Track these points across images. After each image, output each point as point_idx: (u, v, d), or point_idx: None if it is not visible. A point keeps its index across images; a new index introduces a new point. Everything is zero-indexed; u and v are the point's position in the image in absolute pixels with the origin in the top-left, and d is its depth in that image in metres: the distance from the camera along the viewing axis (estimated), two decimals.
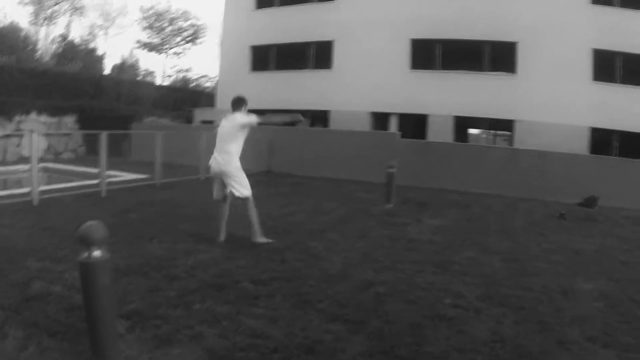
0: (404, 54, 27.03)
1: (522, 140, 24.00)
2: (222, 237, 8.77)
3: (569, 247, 10.21)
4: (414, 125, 26.49)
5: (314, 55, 29.78)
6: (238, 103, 8.77)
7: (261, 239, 8.73)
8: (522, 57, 25.04)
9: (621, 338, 5.44)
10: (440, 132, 25.51)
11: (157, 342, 4.51)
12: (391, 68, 27.10)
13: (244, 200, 8.55)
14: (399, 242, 9.75)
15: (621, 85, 24.34)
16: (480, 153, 20.90)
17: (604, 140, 24.31)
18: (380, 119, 27.31)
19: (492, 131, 30.31)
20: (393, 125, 26.94)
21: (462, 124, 26.81)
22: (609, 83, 24.23)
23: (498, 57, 25.76)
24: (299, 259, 7.90)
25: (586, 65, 24.36)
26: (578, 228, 12.56)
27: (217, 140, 8.68)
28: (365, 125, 27.02)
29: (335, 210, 13.09)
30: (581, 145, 23.46)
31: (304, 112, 27.73)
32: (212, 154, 8.79)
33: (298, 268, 7.40)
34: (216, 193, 8.80)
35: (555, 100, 24.15)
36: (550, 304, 6.52)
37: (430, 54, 26.83)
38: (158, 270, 6.79)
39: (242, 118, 8.55)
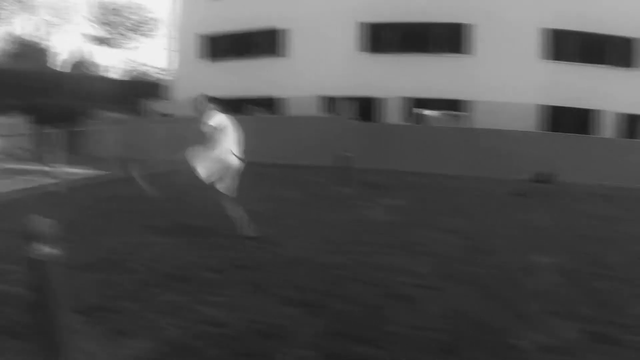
0: (356, 38, 26.94)
1: (477, 119, 24.14)
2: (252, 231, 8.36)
3: (527, 224, 10.28)
4: (366, 108, 26.46)
5: (267, 42, 29.51)
6: (202, 103, 8.55)
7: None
8: (473, 38, 25.15)
9: (581, 310, 5.46)
10: (392, 115, 25.55)
11: (115, 335, 4.41)
12: (342, 52, 27.03)
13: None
14: (356, 224, 9.70)
15: (572, 63, 24.62)
16: (434, 134, 21.00)
17: (556, 118, 24.58)
18: (332, 104, 27.24)
19: (445, 112, 30.44)
20: (345, 109, 26.88)
21: (414, 106, 26.85)
22: (559, 62, 24.47)
23: (449, 38, 25.83)
24: (257, 246, 7.76)
25: (536, 44, 24.56)
26: (536, 204, 12.72)
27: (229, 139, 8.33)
28: (318, 110, 26.94)
29: (291, 196, 13.00)
30: (533, 124, 23.68)
31: (257, 100, 27.61)
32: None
33: (256, 255, 7.28)
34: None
35: (506, 79, 24.40)
36: (509, 279, 6.54)
37: (380, 37, 26.78)
38: (117, 264, 6.61)
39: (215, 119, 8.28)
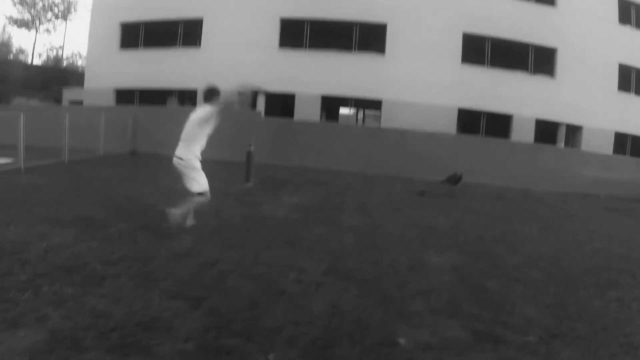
0: (273, 32, 26.79)
1: (390, 119, 24.39)
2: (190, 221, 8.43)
3: (425, 223, 10.37)
4: (282, 104, 26.40)
5: (183, 33, 29.02)
6: (209, 94, 8.45)
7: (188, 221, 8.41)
8: (392, 38, 25.49)
9: (467, 309, 5.48)
10: (308, 111, 25.51)
11: (4, 326, 4.25)
12: (260, 47, 26.82)
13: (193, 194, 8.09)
14: (252, 220, 9.60)
15: (489, 68, 25.25)
16: (343, 132, 21.09)
17: (470, 120, 25.19)
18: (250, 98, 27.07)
19: (361, 110, 30.68)
20: (261, 104, 26.71)
21: (330, 103, 26.96)
22: (477, 65, 25.03)
23: (367, 37, 26.08)
24: (149, 240, 7.53)
25: (456, 48, 25.06)
26: (437, 204, 12.90)
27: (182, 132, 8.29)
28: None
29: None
30: (449, 125, 24.16)
31: (172, 92, 27.14)
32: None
33: (147, 248, 7.03)
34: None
35: (424, 80, 24.80)
36: (396, 277, 6.50)
37: (299, 33, 26.75)
38: (11, 254, 6.23)
39: (202, 112, 8.11)
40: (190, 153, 8.11)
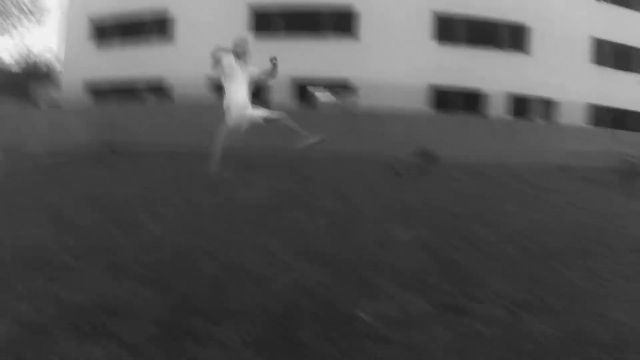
0: (244, 20, 26.65)
1: (365, 101, 24.34)
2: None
3: (399, 201, 10.37)
4: (255, 90, 26.30)
5: (154, 25, 28.81)
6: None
7: None
8: (363, 21, 25.39)
9: (434, 283, 5.50)
10: (281, 95, 25.42)
11: None
12: (229, 35, 26.62)
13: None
14: (224, 204, 9.56)
15: (462, 46, 25.29)
16: (320, 114, 21.06)
17: (445, 99, 25.21)
18: (220, 89, 26.92)
19: (335, 92, 30.69)
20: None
21: (303, 86, 26.88)
22: (449, 44, 25.09)
23: (339, 21, 25.99)
24: (120, 230, 7.39)
25: (427, 27, 25.06)
26: (413, 183, 12.91)
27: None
28: (206, 96, 26.60)
29: (167, 180, 12.77)
30: (422, 104, 24.16)
31: (145, 86, 26.93)
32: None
33: (117, 238, 6.93)
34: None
35: (396, 61, 24.91)
36: (365, 255, 6.52)
37: (270, 19, 26.62)
38: None
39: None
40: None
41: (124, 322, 4.26)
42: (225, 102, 9.58)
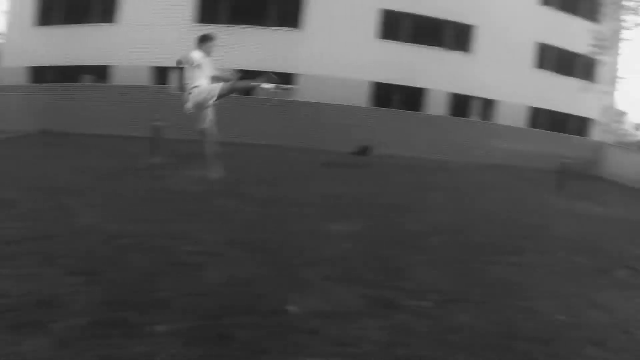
0: (190, 7, 26.25)
1: (306, 93, 24.26)
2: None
3: (331, 193, 10.37)
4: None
5: (100, 8, 28.10)
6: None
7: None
8: (309, 13, 25.25)
9: (362, 275, 5.47)
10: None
11: None
12: (176, 22, 26.16)
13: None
14: (156, 194, 9.45)
15: (405, 43, 25.40)
16: (260, 105, 20.93)
17: (386, 94, 25.31)
18: (163, 74, 26.49)
19: (277, 84, 30.50)
20: (175, 80, 26.16)
21: (247, 78, 26.65)
22: (394, 41, 25.16)
23: (284, 12, 25.80)
24: (53, 218, 7.25)
25: (373, 23, 25.08)
26: (346, 175, 12.98)
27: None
28: (148, 80, 26.14)
29: (102, 167, 12.39)
30: (364, 99, 24.21)
31: (88, 69, 26.35)
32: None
33: (50, 226, 6.75)
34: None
35: (340, 55, 24.78)
36: (295, 246, 6.47)
37: (216, 8, 26.27)
38: None
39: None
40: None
41: (50, 312, 4.15)
42: (190, 91, 9.67)
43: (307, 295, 4.82)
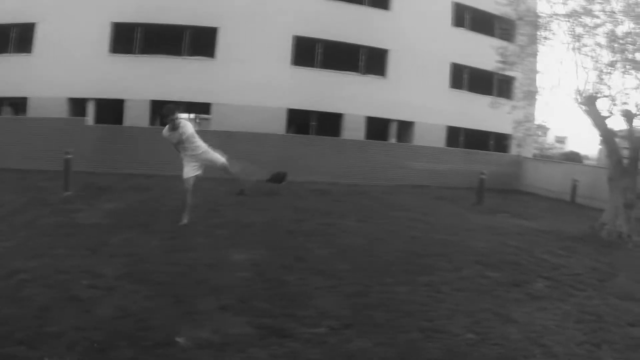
0: (104, 37, 25.78)
1: (220, 122, 24.11)
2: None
3: (239, 222, 10.26)
4: (112, 110, 25.51)
5: (16, 38, 27.36)
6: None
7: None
8: (221, 43, 25.24)
9: (258, 304, 5.39)
10: (137, 117, 24.74)
11: None
12: (91, 52, 25.69)
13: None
14: (62, 228, 9.11)
15: (320, 69, 25.55)
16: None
17: (301, 121, 25.45)
18: (78, 105, 25.90)
19: (194, 115, 30.33)
20: (90, 111, 25.66)
21: (159, 108, 26.33)
22: (307, 67, 25.25)
23: (198, 41, 25.71)
24: None
25: (286, 50, 25.14)
26: (256, 203, 12.93)
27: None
28: (64, 112, 25.51)
29: (10, 201, 11.96)
30: (279, 126, 24.25)
31: (3, 100, 25.52)
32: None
33: None
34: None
35: (254, 83, 24.75)
36: (192, 277, 6.34)
37: (130, 38, 25.90)
38: None
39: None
40: None
41: None
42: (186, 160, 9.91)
43: (199, 326, 4.74)
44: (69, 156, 13.65)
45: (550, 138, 52.51)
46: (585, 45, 11.65)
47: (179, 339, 4.41)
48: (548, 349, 4.67)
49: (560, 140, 57.57)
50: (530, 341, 4.82)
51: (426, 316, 5.30)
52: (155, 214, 11.21)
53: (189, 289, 5.79)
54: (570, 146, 53.25)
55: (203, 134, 21.38)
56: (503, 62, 12.91)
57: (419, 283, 6.50)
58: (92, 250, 7.56)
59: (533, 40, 12.72)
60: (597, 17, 11.31)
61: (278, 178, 14.33)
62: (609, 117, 11.78)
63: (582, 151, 44.01)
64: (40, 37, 25.65)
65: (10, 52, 26.33)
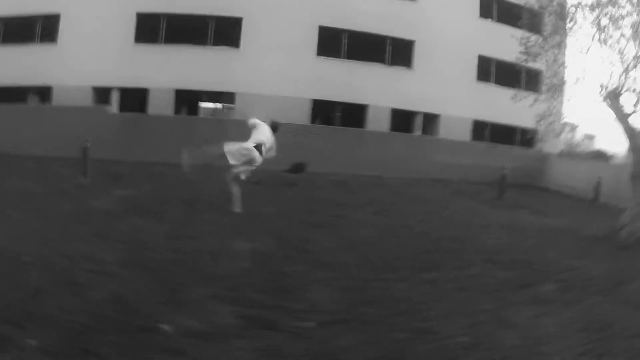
0: (129, 27, 25.87)
1: (245, 111, 24.03)
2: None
3: (250, 211, 10.15)
4: (136, 99, 25.61)
5: (41, 29, 27.58)
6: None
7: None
8: (247, 32, 25.16)
9: (251, 295, 5.32)
10: (161, 106, 24.82)
11: None
12: (116, 42, 25.89)
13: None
14: (74, 215, 9.15)
15: (344, 60, 25.41)
16: (194, 124, 20.75)
17: (325, 111, 25.30)
18: (102, 94, 26.07)
19: (220, 104, 30.33)
20: (115, 99, 25.78)
21: (185, 97, 26.38)
22: (333, 58, 25.10)
23: (223, 31, 25.70)
24: None
25: (312, 41, 25.01)
26: (272, 193, 12.95)
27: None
28: (89, 100, 25.67)
29: (28, 187, 12.07)
30: (303, 116, 24.08)
31: (30, 89, 25.72)
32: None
33: None
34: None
35: (278, 73, 24.72)
36: (192, 265, 6.30)
37: (155, 28, 26.00)
38: None
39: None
40: None
41: None
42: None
43: (186, 314, 4.70)
44: (88, 144, 13.77)
45: (578, 135, 51.91)
46: (610, 37, 11.40)
47: (163, 326, 4.39)
48: (543, 358, 4.42)
49: (589, 137, 56.91)
50: (526, 348, 4.57)
51: (421, 315, 5.13)
52: (167, 200, 11.23)
53: (185, 277, 5.74)
54: (599, 144, 52.59)
55: (224, 122, 21.62)
56: (526, 53, 12.67)
57: (422, 280, 6.35)
58: (98, 236, 7.54)
59: (557, 31, 12.46)
60: (623, 7, 11.06)
61: (297, 169, 14.25)
62: (633, 112, 11.50)
63: (611, 149, 43.43)
64: (64, 28, 25.86)
65: (36, 42, 26.61)
